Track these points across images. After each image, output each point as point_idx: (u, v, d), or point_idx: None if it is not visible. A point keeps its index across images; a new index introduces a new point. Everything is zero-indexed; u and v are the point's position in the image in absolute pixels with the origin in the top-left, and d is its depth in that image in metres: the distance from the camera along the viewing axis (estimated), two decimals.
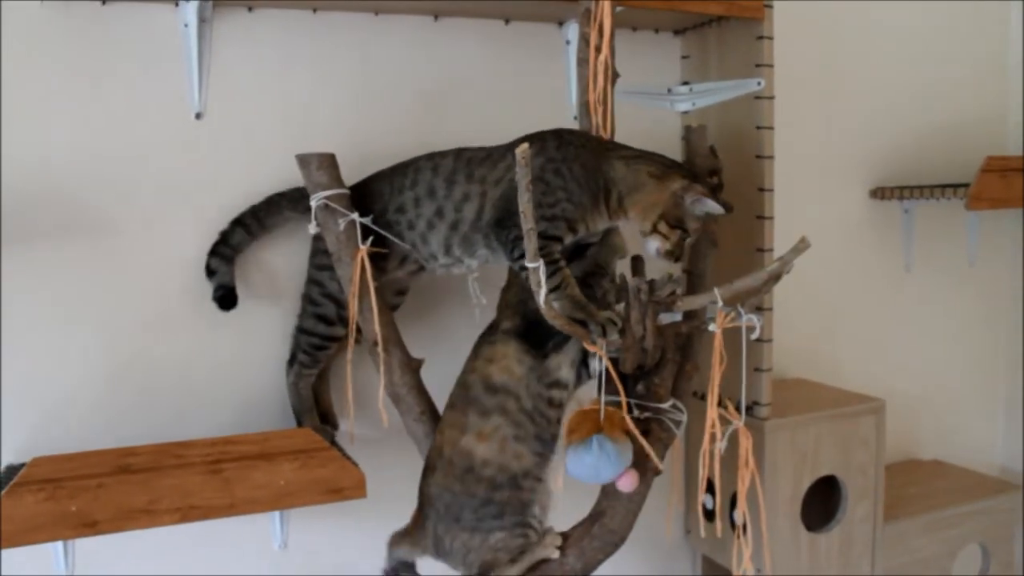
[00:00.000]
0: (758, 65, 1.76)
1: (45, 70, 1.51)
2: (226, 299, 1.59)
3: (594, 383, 1.45)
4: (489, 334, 1.47)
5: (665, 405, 1.48)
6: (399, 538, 1.45)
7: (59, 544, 1.45)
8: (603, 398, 1.38)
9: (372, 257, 1.47)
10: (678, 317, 1.52)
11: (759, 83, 1.76)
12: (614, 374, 1.38)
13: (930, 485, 2.25)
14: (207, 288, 1.61)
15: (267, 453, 1.44)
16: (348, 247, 1.47)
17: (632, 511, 1.47)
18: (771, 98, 1.77)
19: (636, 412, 1.46)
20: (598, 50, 1.51)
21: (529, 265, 1.24)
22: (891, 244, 2.35)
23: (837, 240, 2.27)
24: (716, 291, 1.33)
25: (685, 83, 1.98)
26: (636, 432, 1.41)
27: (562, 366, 1.43)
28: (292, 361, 1.63)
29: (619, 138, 1.54)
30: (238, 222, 1.60)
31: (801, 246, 1.28)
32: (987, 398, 2.56)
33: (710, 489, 1.96)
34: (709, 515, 1.98)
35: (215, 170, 1.62)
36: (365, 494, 1.46)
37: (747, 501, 1.45)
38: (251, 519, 1.52)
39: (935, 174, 2.35)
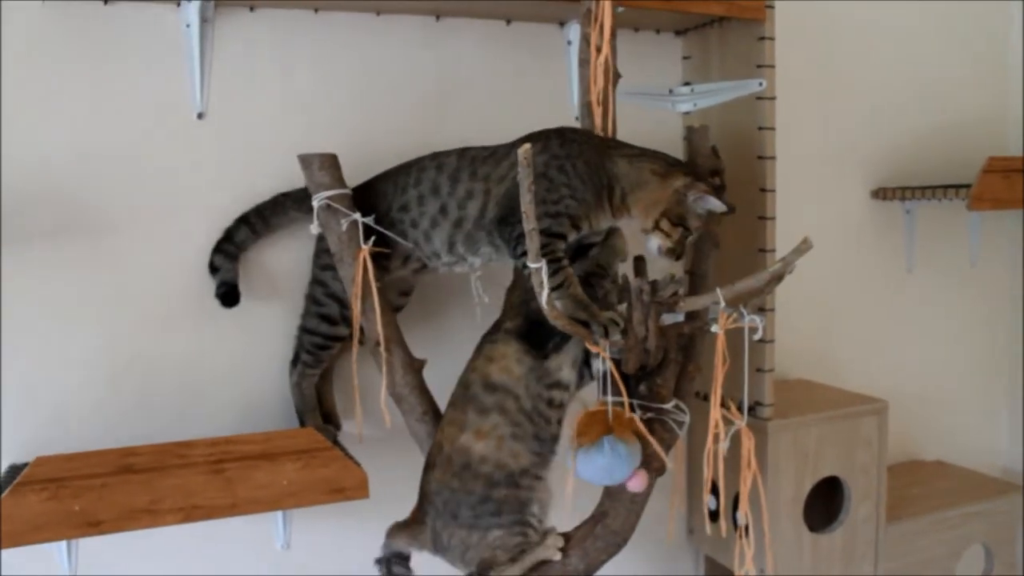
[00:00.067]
0: (759, 66, 1.76)
1: (47, 70, 1.51)
2: (228, 296, 1.59)
3: (594, 385, 1.45)
4: (492, 334, 1.47)
5: (668, 406, 1.48)
6: (397, 530, 1.45)
7: (63, 544, 1.45)
8: (610, 400, 1.38)
9: (375, 257, 1.47)
10: (680, 318, 1.52)
11: (760, 84, 1.76)
12: (616, 375, 1.38)
13: (933, 486, 2.25)
14: (209, 288, 1.61)
15: (270, 453, 1.44)
16: (350, 247, 1.47)
17: (635, 512, 1.47)
18: (772, 99, 1.77)
19: (639, 413, 1.46)
20: (599, 50, 1.51)
21: (531, 265, 1.24)
22: (893, 245, 2.35)
23: (839, 241, 2.27)
24: (718, 292, 1.33)
25: (686, 84, 1.98)
26: (645, 432, 1.41)
27: (563, 367, 1.43)
28: (295, 361, 1.63)
29: (621, 138, 1.54)
30: (243, 220, 1.60)
31: (803, 247, 1.28)
32: (989, 398, 2.56)
33: (713, 490, 1.96)
34: (712, 516, 1.98)
35: (217, 170, 1.62)
36: (368, 494, 1.46)
37: (749, 502, 1.45)
38: (253, 519, 1.53)
39: (937, 174, 2.35)
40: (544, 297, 1.26)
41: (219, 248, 1.60)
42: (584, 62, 1.54)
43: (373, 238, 1.48)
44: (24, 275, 1.51)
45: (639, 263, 1.55)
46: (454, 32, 1.78)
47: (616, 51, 1.53)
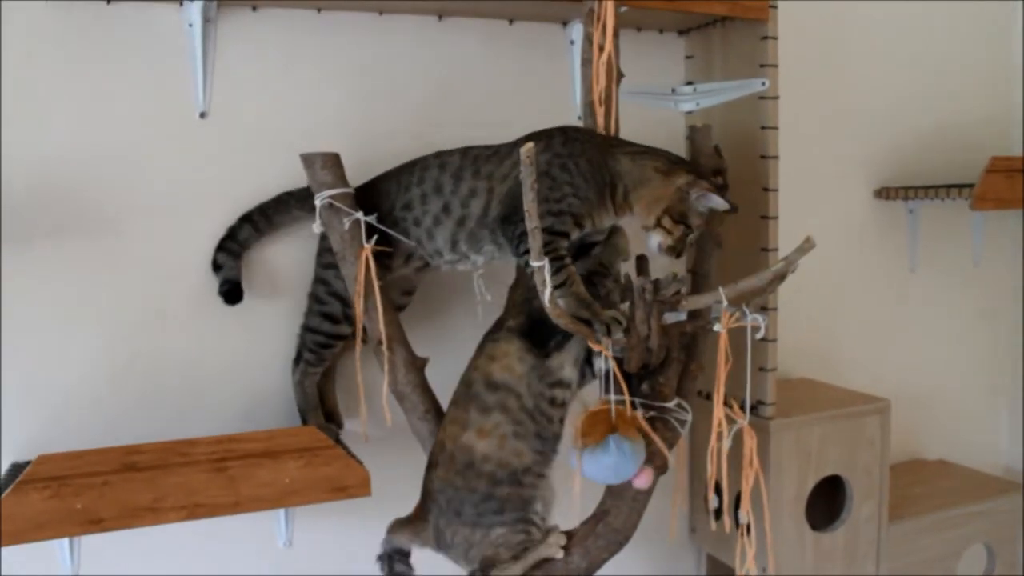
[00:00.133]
0: (762, 65, 1.76)
1: (49, 69, 1.51)
2: (231, 294, 1.59)
3: (595, 384, 1.45)
4: (494, 332, 1.47)
5: (670, 404, 1.48)
6: (399, 526, 1.46)
7: (65, 542, 1.45)
8: (613, 398, 1.38)
9: (377, 255, 1.47)
10: (683, 316, 1.52)
11: (763, 83, 1.76)
12: (619, 374, 1.38)
13: (935, 485, 2.25)
14: (212, 286, 1.61)
15: (272, 451, 1.44)
16: (352, 246, 1.48)
17: (637, 510, 1.47)
18: (775, 98, 1.77)
19: (641, 412, 1.46)
20: (602, 49, 1.51)
21: (534, 264, 1.24)
22: (896, 244, 2.35)
23: (841, 240, 2.27)
24: (721, 291, 1.33)
25: (689, 83, 1.98)
26: (649, 430, 1.41)
27: (564, 365, 1.43)
28: (298, 359, 1.63)
29: (623, 138, 1.54)
30: (246, 218, 1.61)
31: (806, 246, 1.28)
32: (992, 398, 2.56)
33: (716, 489, 1.96)
34: (715, 514, 1.98)
35: (219, 169, 1.62)
36: (370, 492, 1.46)
37: (752, 500, 1.45)
38: (255, 517, 1.53)
39: (940, 174, 2.35)
40: (547, 295, 1.26)
41: (222, 246, 1.60)
42: (587, 61, 1.54)
43: (376, 236, 1.48)
44: (26, 273, 1.52)
45: (641, 262, 1.55)
46: (457, 32, 1.79)
47: (619, 50, 1.53)
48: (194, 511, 1.38)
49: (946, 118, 2.37)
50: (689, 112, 1.99)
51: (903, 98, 2.31)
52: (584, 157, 1.42)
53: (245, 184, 1.62)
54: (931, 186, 2.18)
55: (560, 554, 1.44)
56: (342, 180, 1.48)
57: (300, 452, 1.44)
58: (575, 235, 1.41)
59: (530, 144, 1.15)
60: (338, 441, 1.57)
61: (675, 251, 1.44)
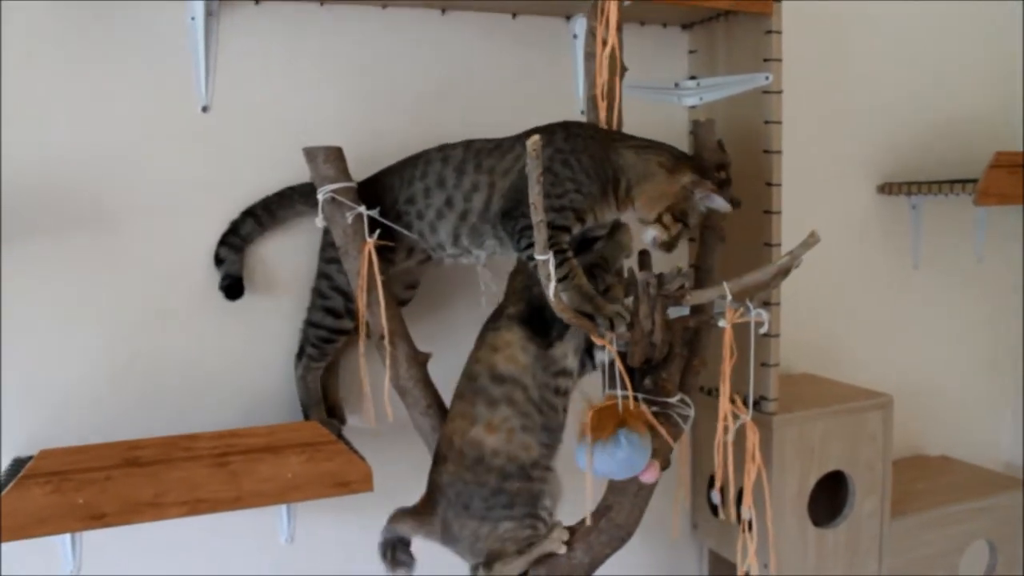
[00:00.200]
0: (766, 60, 1.76)
1: (50, 64, 1.50)
2: (233, 288, 1.59)
3: (597, 377, 1.45)
4: (494, 320, 1.47)
5: (673, 400, 1.47)
6: (402, 515, 1.45)
7: (66, 537, 1.45)
8: (619, 393, 1.38)
9: (380, 250, 1.47)
10: (686, 311, 1.51)
11: (767, 78, 1.76)
12: (621, 368, 1.37)
13: (937, 481, 2.24)
14: (214, 281, 1.61)
15: (274, 446, 1.44)
16: (355, 240, 1.47)
17: (639, 505, 1.47)
18: (779, 93, 1.76)
19: (644, 407, 1.46)
20: (605, 44, 1.51)
21: (539, 257, 1.24)
22: (899, 240, 2.34)
23: (844, 235, 2.26)
24: (725, 285, 1.33)
25: (692, 78, 1.98)
26: (656, 423, 1.41)
27: (567, 355, 1.43)
28: (300, 354, 1.63)
29: (627, 132, 1.54)
30: (249, 213, 1.60)
31: (811, 240, 1.28)
32: (994, 394, 2.55)
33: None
34: (717, 509, 1.98)
35: (222, 163, 1.62)
36: (372, 488, 1.46)
37: (754, 496, 1.45)
38: (257, 513, 1.52)
39: (943, 170, 2.34)
40: (551, 289, 1.26)
41: (225, 241, 1.60)
42: (590, 55, 1.53)
43: (378, 231, 1.48)
44: (28, 269, 1.51)
45: (644, 256, 1.55)
46: (460, 25, 1.78)
47: (622, 45, 1.53)
48: (196, 506, 1.37)
49: (949, 113, 2.37)
50: (692, 106, 1.99)
51: (906, 93, 2.30)
52: (586, 152, 1.42)
53: (247, 178, 1.62)
54: (934, 181, 2.18)
55: (563, 549, 1.44)
56: (345, 174, 1.47)
57: (302, 447, 1.43)
58: (576, 230, 1.41)
59: (536, 137, 1.14)
60: (340, 436, 1.56)
61: (669, 247, 1.45)
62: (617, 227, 1.52)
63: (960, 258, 2.44)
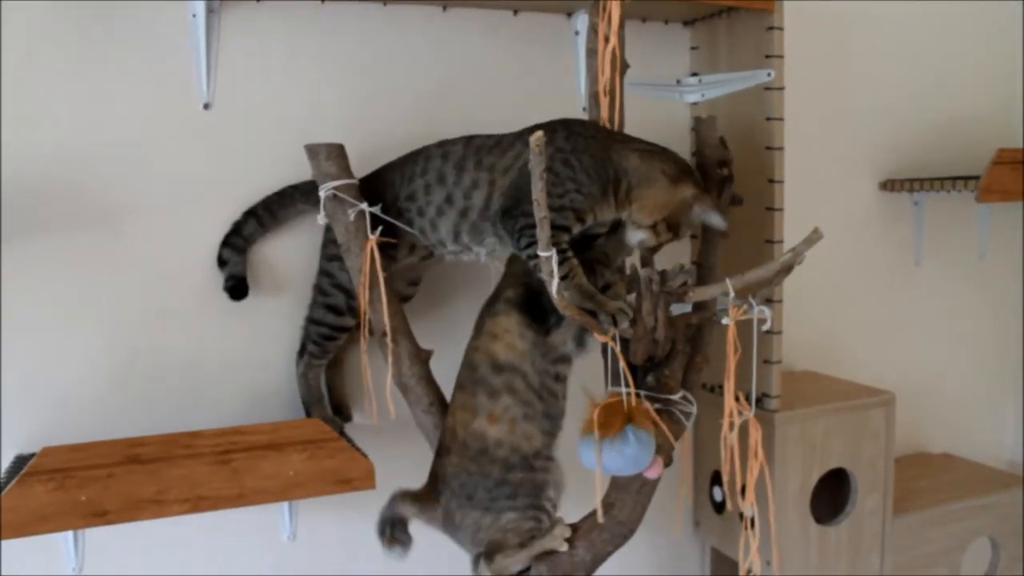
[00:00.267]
0: (768, 56, 1.75)
1: (51, 62, 1.50)
2: (237, 289, 1.59)
3: (598, 372, 1.45)
4: (491, 305, 1.47)
5: (675, 397, 1.47)
6: (405, 497, 1.46)
7: (69, 535, 1.45)
8: (623, 390, 1.38)
9: (381, 246, 1.47)
10: (688, 308, 1.51)
11: (769, 74, 1.75)
12: (624, 365, 1.37)
13: (939, 478, 2.24)
14: (216, 279, 1.61)
15: (276, 443, 1.44)
16: (357, 237, 1.47)
17: (642, 502, 1.47)
18: (781, 89, 1.76)
19: (646, 404, 1.46)
20: (607, 40, 1.50)
21: (542, 254, 1.24)
22: (901, 236, 2.34)
23: (846, 232, 2.26)
24: (728, 282, 1.33)
25: (694, 74, 1.97)
26: (659, 420, 1.41)
27: (567, 341, 1.44)
28: (302, 352, 1.63)
29: (629, 129, 1.54)
30: (250, 213, 1.60)
31: (814, 237, 1.28)
32: (997, 391, 2.55)
33: (721, 481, 1.96)
34: (719, 507, 1.98)
35: (223, 160, 1.62)
36: (374, 485, 1.46)
37: (756, 494, 1.45)
38: (259, 510, 1.53)
39: (945, 166, 2.34)
40: (554, 286, 1.26)
41: (227, 242, 1.60)
42: (592, 52, 1.53)
43: (380, 227, 1.47)
44: (30, 268, 1.51)
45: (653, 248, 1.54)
46: (461, 22, 1.78)
47: (624, 41, 1.53)
48: (198, 504, 1.38)
49: (952, 110, 2.36)
50: (694, 103, 1.98)
51: (908, 91, 2.30)
52: (587, 152, 1.42)
53: (249, 176, 1.62)
54: (936, 178, 2.17)
55: (564, 547, 1.44)
56: (346, 171, 1.47)
57: (304, 444, 1.43)
58: (576, 230, 1.41)
59: (539, 133, 1.14)
60: (342, 434, 1.56)
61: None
62: (619, 224, 1.52)
63: (962, 255, 2.43)
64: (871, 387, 2.02)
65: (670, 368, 1.46)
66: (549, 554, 1.44)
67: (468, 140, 1.50)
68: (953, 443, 2.46)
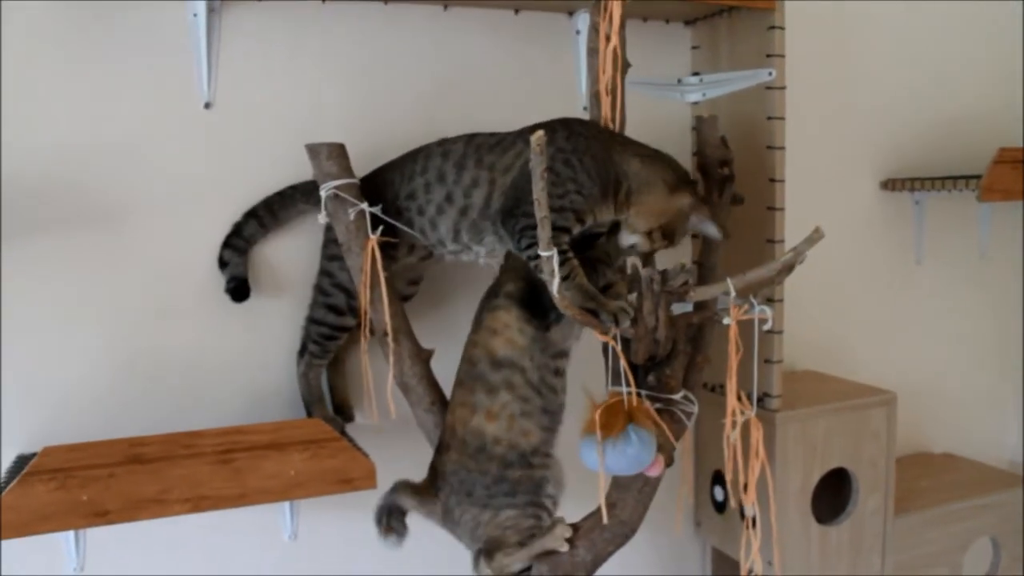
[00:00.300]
0: (769, 55, 1.75)
1: (52, 61, 1.50)
2: (238, 291, 1.59)
3: (598, 372, 1.45)
4: (491, 298, 1.47)
5: (676, 396, 1.47)
6: (406, 489, 1.46)
7: (70, 535, 1.45)
8: (624, 389, 1.38)
9: (382, 246, 1.47)
10: (689, 308, 1.51)
11: (770, 73, 1.75)
12: (625, 364, 1.37)
13: (941, 478, 2.24)
14: (217, 278, 1.61)
15: (277, 443, 1.44)
16: (358, 237, 1.47)
17: (643, 502, 1.47)
18: (782, 88, 1.76)
19: (648, 404, 1.46)
20: (608, 39, 1.50)
21: (543, 254, 1.24)
22: (902, 236, 2.34)
23: (847, 232, 2.26)
24: (729, 281, 1.33)
25: (695, 73, 1.97)
26: (658, 419, 1.41)
27: (567, 337, 1.44)
28: (302, 351, 1.63)
29: (630, 128, 1.54)
30: (251, 214, 1.60)
31: (815, 236, 1.28)
32: (998, 391, 2.55)
33: (722, 481, 1.95)
34: (720, 507, 1.97)
35: (224, 160, 1.62)
36: (375, 485, 1.46)
37: (757, 493, 1.45)
38: (260, 510, 1.53)
39: (946, 166, 2.34)
40: (555, 286, 1.26)
41: (228, 243, 1.60)
42: (593, 51, 1.53)
43: (381, 227, 1.47)
44: (30, 269, 1.51)
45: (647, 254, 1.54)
46: (462, 21, 1.78)
47: (625, 41, 1.52)
48: (199, 503, 1.38)
49: (953, 109, 2.36)
50: (695, 103, 1.98)
51: (909, 90, 2.30)
52: (588, 153, 1.41)
53: (250, 175, 1.62)
54: (937, 178, 2.17)
55: (565, 547, 1.44)
56: (347, 171, 1.47)
57: (306, 444, 1.43)
58: (576, 230, 1.41)
59: (540, 132, 1.14)
60: (343, 433, 1.56)
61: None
62: (619, 225, 1.52)
63: (963, 254, 2.43)
64: (872, 387, 2.01)
65: (671, 368, 1.46)
66: (550, 554, 1.44)
67: (469, 138, 1.49)
68: (954, 443, 2.46)
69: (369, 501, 1.47)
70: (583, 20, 1.81)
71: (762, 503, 1.47)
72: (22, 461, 1.43)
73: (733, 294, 1.33)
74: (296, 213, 1.64)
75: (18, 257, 1.50)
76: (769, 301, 1.77)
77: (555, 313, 1.41)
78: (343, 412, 1.68)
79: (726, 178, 1.66)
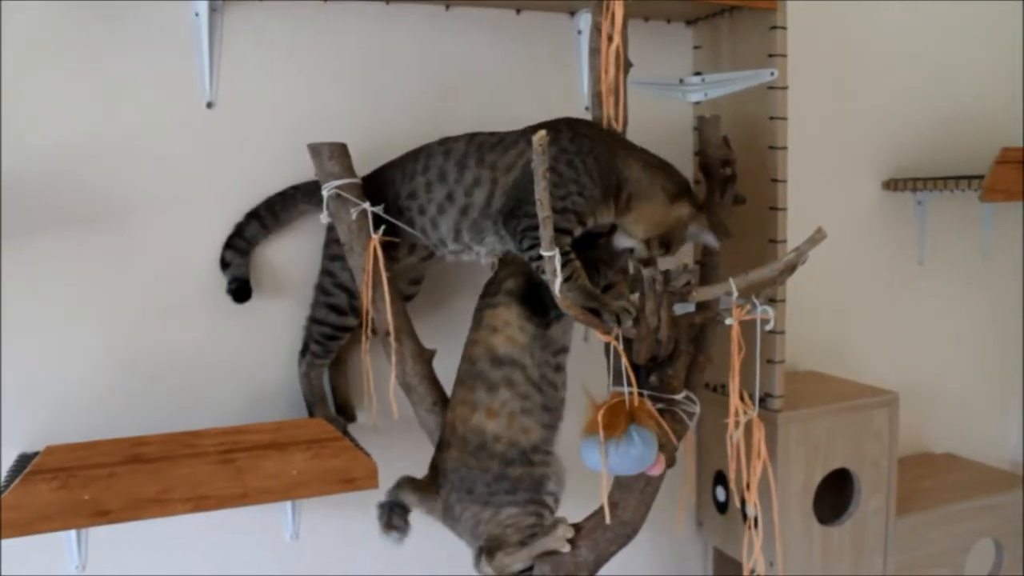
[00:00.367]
0: (771, 55, 1.75)
1: (54, 61, 1.50)
2: (240, 291, 1.59)
3: (599, 372, 1.45)
4: (491, 295, 1.47)
5: (678, 396, 1.47)
6: (408, 485, 1.46)
7: (72, 535, 1.45)
8: (626, 389, 1.38)
9: (384, 246, 1.47)
10: (691, 308, 1.51)
11: (772, 73, 1.75)
12: (627, 364, 1.37)
13: (943, 479, 2.24)
14: (219, 278, 1.61)
15: (279, 443, 1.43)
16: (360, 237, 1.47)
17: (645, 502, 1.47)
18: (784, 88, 1.76)
19: (648, 403, 1.46)
20: (610, 39, 1.50)
21: (545, 254, 1.24)
22: (904, 236, 2.34)
23: (850, 232, 2.26)
24: (732, 282, 1.33)
25: (697, 73, 1.97)
26: (659, 418, 1.41)
27: (567, 332, 1.45)
28: (304, 351, 1.63)
29: (631, 128, 1.54)
30: (253, 215, 1.60)
31: (818, 236, 1.27)
32: (1000, 391, 2.55)
33: (723, 481, 1.95)
34: (722, 507, 1.97)
35: (226, 159, 1.62)
36: (377, 484, 1.46)
37: (759, 493, 1.45)
38: (262, 510, 1.53)
39: (949, 166, 2.33)
40: (557, 286, 1.26)
41: (229, 244, 1.60)
42: (595, 51, 1.53)
43: (383, 227, 1.47)
44: (31, 268, 1.51)
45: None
46: (464, 21, 1.77)
47: (627, 41, 1.52)
48: (201, 503, 1.37)
49: (956, 109, 2.36)
50: (697, 102, 1.98)
51: (912, 89, 2.30)
52: (591, 155, 1.41)
53: (252, 174, 1.62)
54: (940, 178, 2.17)
55: (566, 548, 1.44)
56: (349, 170, 1.47)
57: (307, 444, 1.43)
58: (577, 232, 1.41)
59: (543, 132, 1.14)
60: (345, 433, 1.56)
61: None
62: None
63: (965, 255, 2.43)
64: (874, 387, 2.01)
65: (673, 368, 1.46)
66: (552, 554, 1.44)
67: (471, 137, 1.49)
68: (956, 443, 2.46)
69: (370, 501, 1.47)
70: (585, 20, 1.81)
71: (764, 503, 1.47)
72: (24, 460, 1.43)
73: (735, 294, 1.33)
74: (297, 214, 1.64)
75: (20, 256, 1.50)
76: (771, 301, 1.76)
77: (555, 311, 1.41)
78: (345, 412, 1.68)
79: (728, 178, 1.66)
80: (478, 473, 1.42)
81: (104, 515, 1.33)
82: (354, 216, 1.46)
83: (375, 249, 1.45)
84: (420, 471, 1.49)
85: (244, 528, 1.67)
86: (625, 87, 1.53)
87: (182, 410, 1.62)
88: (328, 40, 1.68)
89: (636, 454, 1.35)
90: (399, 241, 1.52)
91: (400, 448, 1.61)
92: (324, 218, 1.48)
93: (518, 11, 1.81)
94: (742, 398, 1.40)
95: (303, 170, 1.55)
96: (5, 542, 1.45)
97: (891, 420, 1.94)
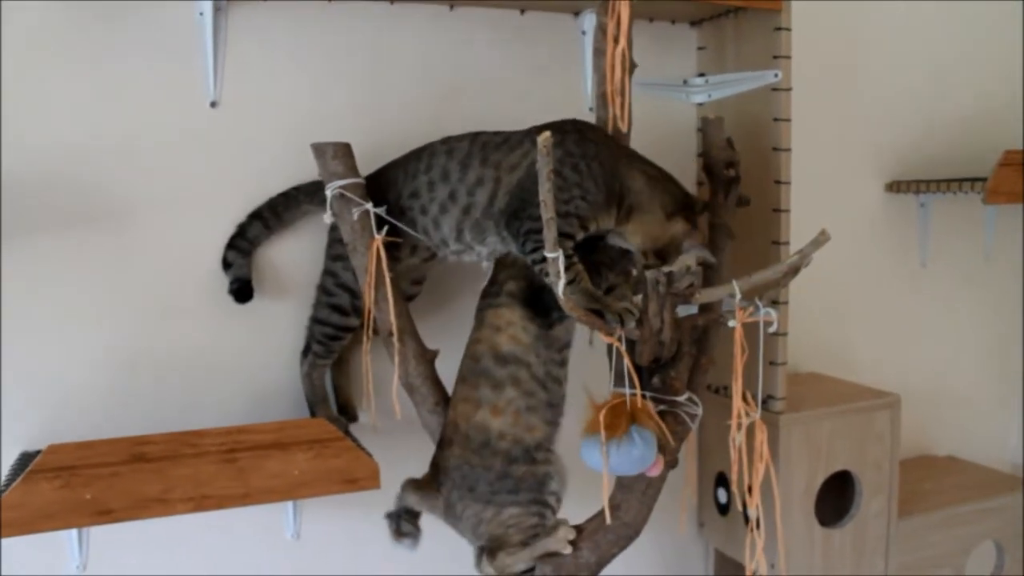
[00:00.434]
0: (775, 57, 1.75)
1: (58, 59, 1.50)
2: (242, 292, 1.58)
3: (600, 372, 1.45)
4: (492, 296, 1.47)
5: (681, 398, 1.47)
6: (411, 486, 1.46)
7: (73, 534, 1.45)
8: (627, 391, 1.38)
9: (387, 246, 1.47)
10: (694, 310, 1.51)
11: (776, 75, 1.75)
12: (630, 365, 1.37)
13: (944, 481, 2.24)
14: (221, 278, 1.61)
15: (281, 443, 1.43)
16: (363, 237, 1.47)
17: (647, 504, 1.47)
18: (788, 90, 1.76)
19: (648, 403, 1.46)
20: (615, 40, 1.50)
21: (549, 255, 1.24)
22: (907, 238, 2.33)
23: (852, 234, 2.25)
24: (735, 283, 1.32)
25: (701, 74, 1.97)
26: (658, 420, 1.41)
27: (570, 331, 1.46)
28: (306, 351, 1.62)
29: (635, 129, 1.53)
30: (255, 215, 1.60)
31: (821, 239, 1.27)
32: (1002, 394, 2.54)
33: (725, 483, 1.95)
34: (723, 509, 1.97)
35: (230, 159, 1.62)
36: (379, 485, 1.46)
37: (761, 495, 1.45)
38: (264, 510, 1.53)
39: (952, 168, 2.33)
40: (560, 288, 1.25)
41: (232, 244, 1.59)
42: (599, 52, 1.52)
43: (386, 227, 1.47)
44: (33, 268, 1.51)
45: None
46: (468, 21, 1.77)
47: (631, 41, 1.52)
48: (202, 502, 1.37)
49: (958, 111, 2.35)
50: (701, 104, 1.98)
51: (915, 91, 2.29)
52: (596, 159, 1.41)
53: (256, 174, 1.61)
54: (943, 180, 2.17)
55: (568, 549, 1.44)
56: (353, 170, 1.47)
57: (309, 444, 1.43)
58: (580, 236, 1.41)
59: (547, 133, 1.14)
60: (347, 433, 1.56)
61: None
62: None
63: (968, 257, 2.43)
64: (876, 389, 2.01)
65: (676, 370, 1.46)
66: (553, 554, 1.44)
67: (474, 137, 1.49)
68: (958, 446, 2.46)
69: (372, 501, 1.47)
70: (589, 21, 1.81)
71: (766, 505, 1.47)
72: (26, 459, 1.43)
73: (738, 296, 1.33)
74: (300, 214, 1.64)
75: (21, 256, 1.50)
76: (774, 303, 1.76)
77: (558, 313, 1.41)
78: (347, 412, 1.68)
79: (732, 179, 1.65)
80: (480, 471, 1.42)
81: (106, 514, 1.33)
82: (356, 216, 1.46)
83: (378, 249, 1.45)
84: (422, 471, 1.49)
85: (245, 528, 1.67)
86: (629, 88, 1.53)
87: (184, 410, 1.62)
88: (332, 40, 1.68)
89: (637, 455, 1.35)
90: (401, 241, 1.52)
91: (402, 448, 1.61)
92: (328, 218, 1.48)
93: (522, 11, 1.81)
94: (745, 400, 1.40)
95: (306, 170, 1.54)
96: (6, 541, 1.45)
97: (893, 422, 1.94)
